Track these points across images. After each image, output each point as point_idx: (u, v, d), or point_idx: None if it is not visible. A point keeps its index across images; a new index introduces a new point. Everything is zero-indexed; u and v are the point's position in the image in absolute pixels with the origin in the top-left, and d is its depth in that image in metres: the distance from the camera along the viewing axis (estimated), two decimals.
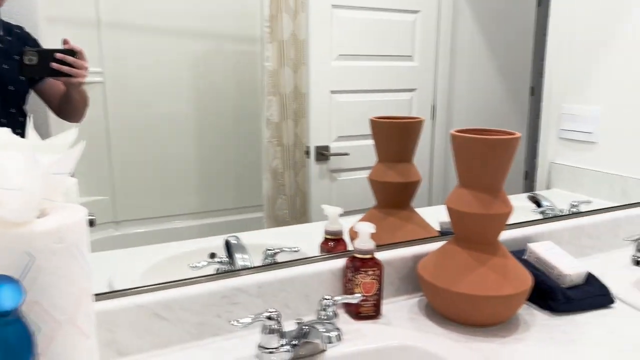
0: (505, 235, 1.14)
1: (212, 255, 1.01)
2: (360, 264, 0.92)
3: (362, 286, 0.92)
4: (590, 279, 1.03)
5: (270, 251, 1.03)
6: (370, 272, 0.92)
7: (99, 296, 0.80)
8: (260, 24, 1.11)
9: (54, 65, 0.84)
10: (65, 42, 0.86)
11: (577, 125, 1.56)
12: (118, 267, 0.94)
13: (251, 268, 0.93)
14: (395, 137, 1.12)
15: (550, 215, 1.33)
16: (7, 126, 0.66)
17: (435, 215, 1.22)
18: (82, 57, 0.88)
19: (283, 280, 0.91)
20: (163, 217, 1.04)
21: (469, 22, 1.40)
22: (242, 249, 1.05)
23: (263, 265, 0.95)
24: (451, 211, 0.92)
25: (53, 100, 0.87)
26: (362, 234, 0.93)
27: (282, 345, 0.80)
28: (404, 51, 1.33)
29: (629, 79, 1.50)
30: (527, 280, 0.91)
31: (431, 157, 1.38)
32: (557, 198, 1.58)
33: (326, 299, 0.84)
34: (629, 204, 1.38)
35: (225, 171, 1.12)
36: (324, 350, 0.82)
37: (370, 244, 0.93)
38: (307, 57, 1.27)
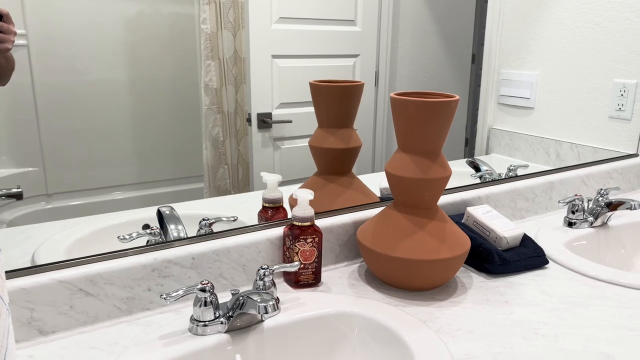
0: (444, 199, 1.14)
1: (146, 227, 0.96)
2: (299, 231, 0.90)
3: (301, 254, 0.90)
4: (526, 241, 1.05)
5: (206, 221, 0.99)
6: (309, 240, 0.90)
7: (16, 273, 0.75)
8: None
9: None
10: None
11: (515, 91, 1.58)
12: (42, 241, 0.87)
13: (184, 239, 0.89)
14: (335, 101, 1.09)
15: (488, 180, 1.35)
16: None
17: (378, 182, 1.22)
18: (9, 21, 0.80)
19: (218, 250, 0.88)
20: (98, 189, 0.98)
21: None
22: (175, 219, 1.00)
23: (196, 236, 0.91)
24: (390, 176, 0.91)
25: None
26: (300, 201, 0.90)
27: (216, 318, 0.77)
28: (346, 15, 1.30)
29: (564, 46, 1.52)
30: (464, 244, 0.92)
31: (374, 124, 1.36)
32: (495, 163, 1.61)
33: (263, 269, 0.81)
34: (563, 167, 1.42)
35: (163, 140, 1.06)
36: (261, 321, 0.80)
37: (309, 211, 0.90)
38: (247, 19, 1.21)
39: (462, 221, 1.09)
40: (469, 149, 1.58)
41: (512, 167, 1.45)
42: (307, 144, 1.13)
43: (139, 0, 0.95)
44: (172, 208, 1.01)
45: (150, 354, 0.71)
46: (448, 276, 0.91)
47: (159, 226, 0.97)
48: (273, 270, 0.82)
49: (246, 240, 0.91)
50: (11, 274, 0.75)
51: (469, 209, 1.07)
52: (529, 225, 1.24)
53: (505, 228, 1.03)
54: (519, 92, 1.58)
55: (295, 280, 0.92)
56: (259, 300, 0.74)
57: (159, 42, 1.01)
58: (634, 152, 1.51)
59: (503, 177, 1.39)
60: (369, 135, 1.44)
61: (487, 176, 1.41)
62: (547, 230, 1.19)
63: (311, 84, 1.11)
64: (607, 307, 0.88)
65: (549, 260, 1.06)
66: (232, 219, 1.02)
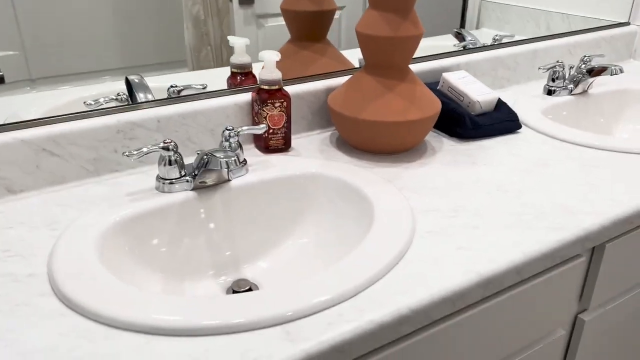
0: (421, 67, 1.11)
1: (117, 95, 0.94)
2: (267, 95, 0.89)
3: (270, 119, 0.90)
4: (500, 105, 1.04)
5: (175, 88, 0.97)
6: (277, 104, 0.89)
7: None
8: None
9: None
10: None
11: None
12: (14, 110, 0.86)
13: (149, 101, 0.87)
14: None
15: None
16: None
17: (358, 54, 1.18)
18: None
19: (184, 114, 0.87)
20: (85, 74, 0.95)
21: None
22: (144, 88, 0.98)
23: (161, 99, 0.90)
24: (360, 35, 0.88)
25: None
26: (267, 63, 0.88)
27: (182, 176, 0.78)
28: None
29: None
30: (434, 106, 0.91)
31: None
32: (484, 37, 1.56)
33: (228, 129, 0.81)
34: (548, 35, 1.37)
35: (143, 23, 1.00)
36: (228, 180, 0.81)
37: (276, 74, 0.88)
38: None
39: (438, 87, 1.07)
40: (462, 24, 1.52)
41: (497, 37, 1.40)
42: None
43: None
44: (141, 77, 0.98)
45: (118, 209, 0.73)
46: (417, 139, 0.91)
47: (127, 93, 0.95)
48: (238, 132, 0.81)
49: (214, 105, 0.90)
50: None
51: (445, 74, 1.05)
52: (509, 94, 1.22)
53: (479, 92, 1.01)
54: None
55: (265, 146, 0.92)
56: (221, 156, 0.74)
57: None
58: (626, 20, 1.45)
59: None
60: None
61: (471, 46, 1.37)
62: (525, 98, 1.17)
63: None
64: (573, 166, 0.89)
65: (522, 125, 1.05)
66: (202, 86, 1.00)
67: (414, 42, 0.87)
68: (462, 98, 1.02)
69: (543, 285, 0.73)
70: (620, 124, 1.26)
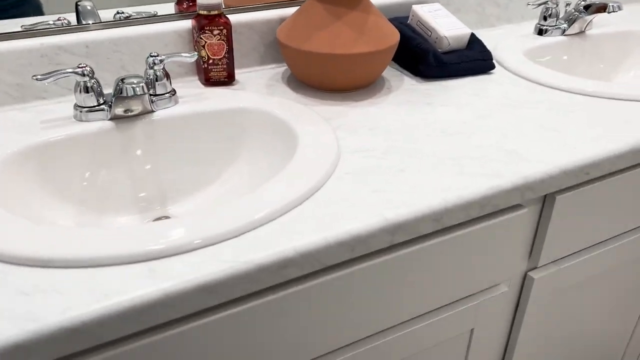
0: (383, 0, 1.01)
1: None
2: (205, 22, 0.82)
3: (209, 48, 0.84)
4: (474, 43, 0.94)
5: (121, 14, 0.92)
6: (216, 32, 0.83)
7: None
8: None
9: None
10: None
11: None
12: None
13: (74, 26, 0.82)
14: None
15: None
16: None
17: None
18: None
19: (116, 40, 0.82)
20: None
21: None
22: (94, 15, 0.93)
23: (89, 24, 0.84)
24: None
25: None
26: None
27: (100, 104, 0.73)
28: None
29: None
30: (389, 38, 0.83)
31: None
32: None
33: (152, 56, 0.75)
34: None
35: None
36: (152, 111, 0.76)
37: None
38: None
39: (407, 22, 0.98)
40: None
41: None
42: None
43: None
44: (94, 5, 0.93)
45: (27, 136, 0.69)
46: (369, 75, 0.84)
47: (76, 21, 0.90)
48: (163, 59, 0.76)
49: (151, 31, 0.84)
50: None
51: (414, 6, 0.95)
52: (497, 34, 1.11)
53: (449, 27, 0.92)
54: None
55: (206, 78, 0.86)
56: (133, 82, 0.69)
57: None
58: None
59: None
60: None
61: None
62: (512, 38, 1.06)
63: None
64: (543, 111, 0.80)
65: (497, 66, 0.96)
66: (153, 12, 0.94)
67: None
68: (429, 33, 0.93)
69: (476, 236, 0.67)
70: (620, 72, 1.14)
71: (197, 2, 0.82)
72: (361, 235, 0.56)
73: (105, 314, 0.46)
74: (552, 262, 0.80)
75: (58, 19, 0.88)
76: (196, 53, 0.79)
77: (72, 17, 0.83)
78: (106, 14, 0.87)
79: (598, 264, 0.85)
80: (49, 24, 0.86)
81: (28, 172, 0.67)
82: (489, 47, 1.02)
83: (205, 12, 0.82)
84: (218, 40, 0.83)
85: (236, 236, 0.54)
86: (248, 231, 0.55)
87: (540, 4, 1.05)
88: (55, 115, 0.75)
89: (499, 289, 0.76)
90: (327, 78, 0.83)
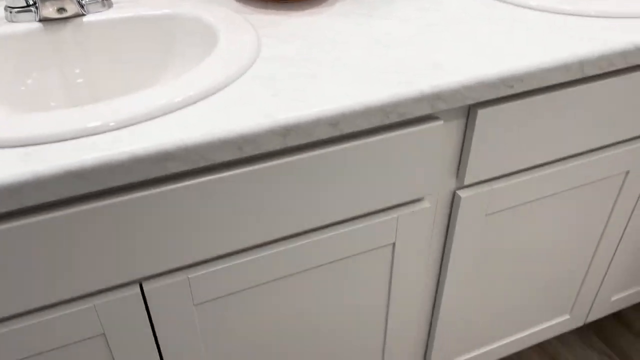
0: None
1: None
2: None
3: None
4: None
5: None
6: None
7: None
8: None
9: None
10: None
11: None
12: None
13: None
14: None
15: None
16: None
17: None
18: None
19: None
20: None
21: None
22: None
23: None
24: None
25: None
26: None
27: (28, 5, 0.74)
28: None
29: None
30: None
31: None
32: None
33: None
34: None
35: None
36: (82, 15, 0.76)
37: None
38: None
39: None
40: None
41: None
42: None
43: None
44: None
45: None
46: None
47: None
48: None
49: None
50: None
51: None
52: None
53: None
54: None
55: None
56: None
57: None
58: None
59: None
60: None
61: None
62: None
63: None
64: (494, 26, 0.76)
65: None
66: None
67: None
68: None
69: (387, 146, 0.66)
70: None
71: None
72: (247, 135, 0.56)
73: None
74: (482, 181, 0.78)
75: None
76: None
77: None
78: None
79: (535, 189, 0.83)
80: None
81: None
82: None
83: None
84: None
85: (120, 127, 0.55)
86: (136, 124, 0.56)
87: None
88: None
89: (422, 204, 0.75)
90: None
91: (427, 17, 0.79)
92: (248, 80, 0.63)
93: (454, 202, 0.78)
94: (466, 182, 0.75)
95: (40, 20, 0.74)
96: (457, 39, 0.72)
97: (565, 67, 0.68)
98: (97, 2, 0.77)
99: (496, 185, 0.78)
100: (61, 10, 0.74)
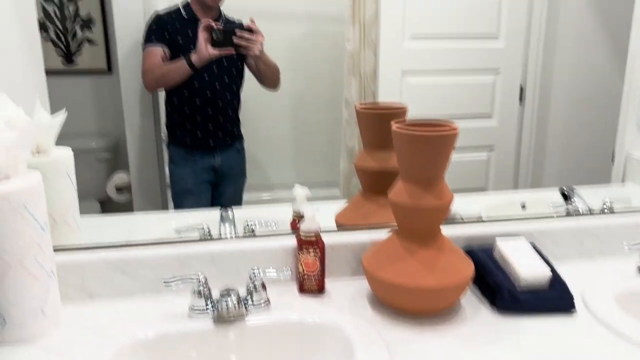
0: (490, 229, 1.10)
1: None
2: (304, 243, 0.99)
3: (304, 264, 1.00)
4: (556, 283, 0.97)
5: (250, 225, 1.14)
6: (311, 251, 0.99)
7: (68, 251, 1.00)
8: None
9: (235, 40, 1.13)
10: (251, 20, 1.14)
11: None
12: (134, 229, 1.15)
13: (196, 241, 1.05)
14: (375, 125, 1.14)
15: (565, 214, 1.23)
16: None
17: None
18: (257, 33, 1.14)
19: (236, 252, 1.03)
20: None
21: None
22: (229, 221, 1.18)
23: (218, 237, 1.07)
24: (389, 202, 0.95)
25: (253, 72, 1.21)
26: (306, 216, 1.00)
27: (206, 308, 0.92)
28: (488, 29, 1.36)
29: None
30: (457, 276, 0.90)
31: (519, 143, 1.45)
32: (630, 194, 1.44)
33: (253, 270, 0.93)
34: None
35: (311, 147, 1.34)
36: (243, 315, 0.92)
37: (313, 225, 0.99)
38: (378, 36, 1.33)
39: (493, 254, 1.05)
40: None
41: (607, 203, 1.29)
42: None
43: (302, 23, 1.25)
44: (230, 210, 1.19)
45: (146, 328, 0.89)
46: (435, 306, 0.91)
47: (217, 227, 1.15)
48: (262, 274, 0.93)
49: (266, 246, 1.04)
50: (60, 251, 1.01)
51: (498, 241, 1.03)
52: (593, 268, 1.11)
53: (528, 267, 0.96)
54: None
55: (300, 288, 1.02)
56: (220, 297, 0.88)
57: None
58: None
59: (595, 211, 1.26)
60: (510, 154, 1.44)
61: (572, 209, 1.29)
62: (608, 276, 1.05)
63: (356, 110, 1.19)
64: None
65: (581, 305, 0.95)
66: (273, 223, 1.16)
67: (436, 212, 0.90)
68: (511, 270, 0.98)
69: None
70: None
71: (299, 227, 1.00)
72: None
73: None
74: None
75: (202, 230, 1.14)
76: (287, 272, 0.94)
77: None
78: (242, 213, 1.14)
79: None
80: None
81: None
82: (579, 283, 1.03)
83: (303, 236, 1.00)
84: (313, 258, 0.99)
85: None
86: None
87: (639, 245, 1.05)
88: (176, 311, 0.94)
89: None
90: (396, 304, 0.92)
91: (547, 348, 0.83)
92: None
93: None
94: None
95: (214, 320, 0.91)
96: None
97: None
98: (259, 305, 0.93)
99: None
100: (229, 316, 0.91)
